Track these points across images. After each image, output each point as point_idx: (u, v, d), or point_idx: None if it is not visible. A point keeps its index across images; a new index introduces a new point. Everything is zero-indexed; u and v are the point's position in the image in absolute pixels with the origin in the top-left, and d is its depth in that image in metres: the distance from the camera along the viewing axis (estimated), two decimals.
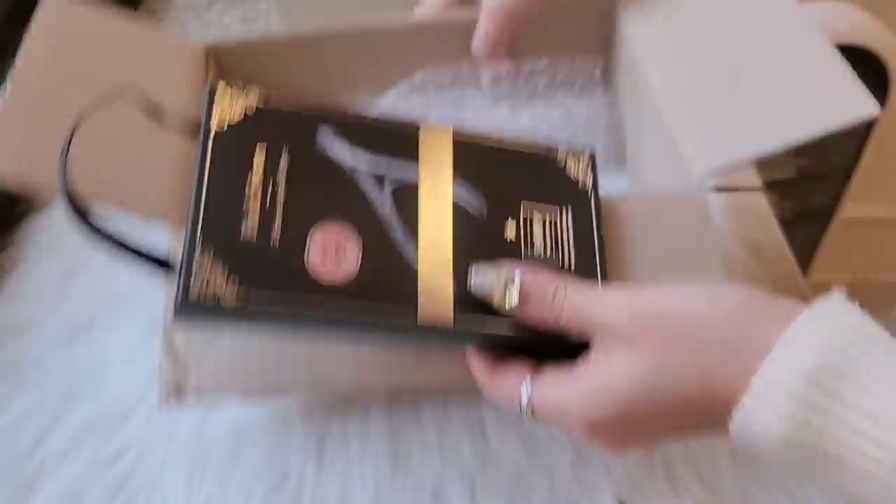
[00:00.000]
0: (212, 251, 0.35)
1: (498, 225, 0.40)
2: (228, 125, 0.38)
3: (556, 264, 0.40)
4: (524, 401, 0.36)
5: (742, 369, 0.31)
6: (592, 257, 0.41)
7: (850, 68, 0.45)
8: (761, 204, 0.78)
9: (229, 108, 0.38)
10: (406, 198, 0.39)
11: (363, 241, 0.37)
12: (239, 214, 0.36)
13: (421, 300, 0.37)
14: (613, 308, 0.34)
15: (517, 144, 0.43)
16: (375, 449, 0.57)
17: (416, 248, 0.38)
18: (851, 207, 1.33)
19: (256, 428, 0.58)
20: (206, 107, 0.38)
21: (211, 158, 0.37)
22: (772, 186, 0.81)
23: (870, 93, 0.43)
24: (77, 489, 0.54)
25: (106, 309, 0.65)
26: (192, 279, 0.34)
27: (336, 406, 0.59)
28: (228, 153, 0.37)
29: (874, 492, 0.29)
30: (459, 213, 0.40)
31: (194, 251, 0.34)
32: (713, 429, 0.33)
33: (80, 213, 0.36)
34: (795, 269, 0.72)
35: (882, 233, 1.53)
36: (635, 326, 0.33)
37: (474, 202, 0.41)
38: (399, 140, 0.41)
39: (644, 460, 0.56)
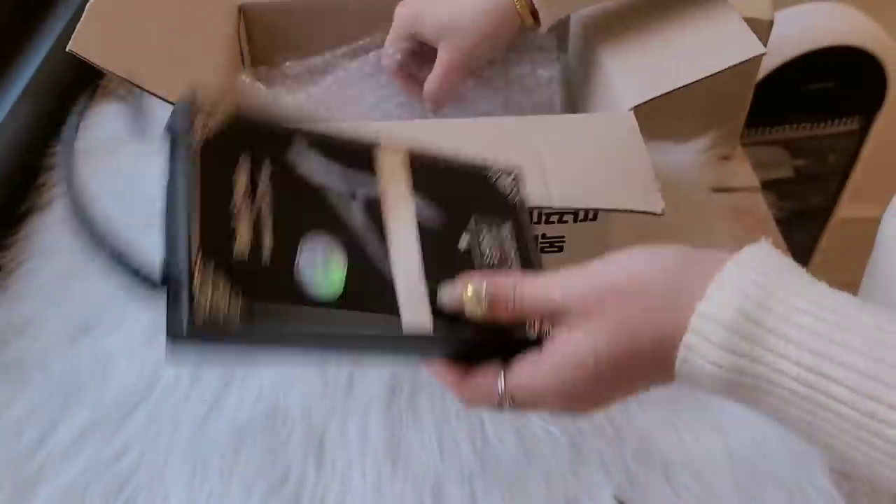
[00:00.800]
0: (212, 268, 0.33)
1: (453, 236, 0.43)
2: (208, 138, 0.37)
3: (503, 268, 0.44)
4: (501, 389, 0.39)
5: (685, 315, 0.35)
6: (529, 257, 0.45)
7: (742, 21, 0.59)
8: (759, 204, 0.79)
9: (208, 119, 0.37)
10: (374, 211, 0.41)
11: (345, 255, 0.38)
12: (229, 231, 0.34)
13: (402, 311, 0.38)
14: (566, 288, 0.38)
15: (460, 160, 0.47)
16: (375, 449, 0.57)
17: (389, 260, 0.39)
18: (848, 207, 1.33)
19: (257, 428, 0.58)
20: (184, 118, 0.36)
21: (198, 172, 0.35)
22: (769, 187, 0.81)
23: (754, 40, 0.57)
24: (79, 488, 0.54)
25: (108, 309, 0.65)
26: (195, 300, 0.31)
27: (336, 406, 0.60)
28: (211, 168, 0.36)
29: (795, 413, 0.34)
30: (421, 226, 0.42)
31: (193, 270, 0.32)
32: (664, 377, 0.37)
33: (84, 218, 0.36)
34: None
35: None
36: (589, 299, 0.37)
37: (432, 216, 0.43)
38: (360, 156, 0.42)
39: (643, 459, 0.56)
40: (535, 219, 0.62)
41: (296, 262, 0.36)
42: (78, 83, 0.85)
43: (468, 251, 0.43)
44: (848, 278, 0.68)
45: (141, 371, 0.61)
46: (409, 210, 0.42)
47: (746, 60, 0.57)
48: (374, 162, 0.42)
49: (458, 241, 0.43)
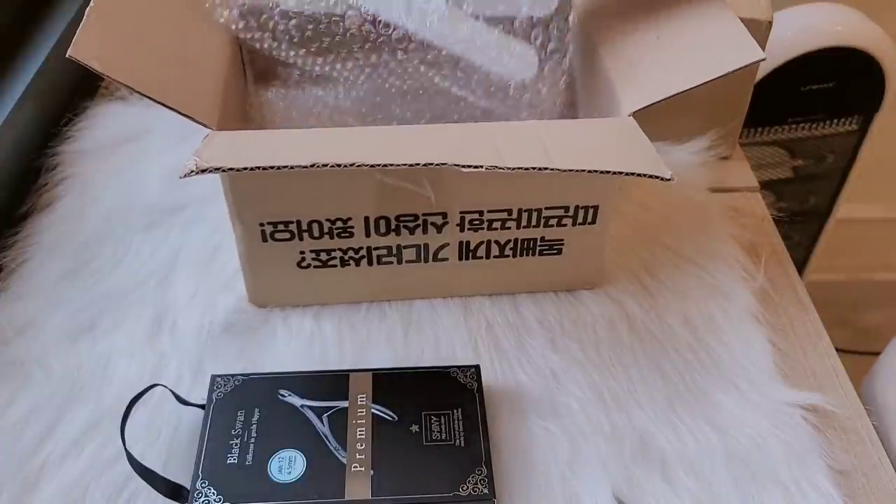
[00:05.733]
0: (207, 481, 0.51)
1: (406, 425, 0.54)
2: (222, 395, 0.56)
3: (450, 446, 0.53)
4: None
5: None
6: (478, 439, 0.54)
7: (742, 26, 0.59)
8: (758, 204, 0.79)
9: (223, 383, 0.57)
10: (338, 418, 0.55)
11: (307, 455, 0.52)
12: (227, 450, 0.53)
13: (347, 486, 0.51)
14: None
15: (422, 368, 0.59)
16: None
17: (346, 450, 0.53)
18: (847, 208, 1.34)
19: None
20: (210, 386, 0.57)
21: (211, 420, 0.54)
22: (768, 187, 0.81)
23: (756, 45, 0.57)
24: (80, 488, 0.54)
25: (108, 308, 0.65)
26: (194, 501, 0.50)
27: None
28: (222, 414, 0.55)
29: None
30: (376, 421, 0.54)
31: (196, 481, 0.51)
32: None
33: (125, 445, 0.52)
34: (791, 268, 0.73)
35: (877, 233, 1.53)
36: None
37: (388, 413, 0.55)
38: (335, 384, 0.57)
39: (642, 459, 0.56)
40: (534, 221, 0.62)
41: (269, 463, 0.52)
42: (79, 84, 0.85)
43: (419, 432, 0.54)
44: (846, 279, 0.69)
45: (142, 370, 0.61)
46: (367, 413, 0.55)
47: (745, 66, 0.56)
48: (345, 386, 0.56)
49: (410, 427, 0.54)
